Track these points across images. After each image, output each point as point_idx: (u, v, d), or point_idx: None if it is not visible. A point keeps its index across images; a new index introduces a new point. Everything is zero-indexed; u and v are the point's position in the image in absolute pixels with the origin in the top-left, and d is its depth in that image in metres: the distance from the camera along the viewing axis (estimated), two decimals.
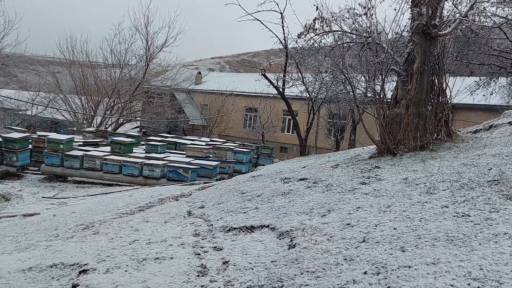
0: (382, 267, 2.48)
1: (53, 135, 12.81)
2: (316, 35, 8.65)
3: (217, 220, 4.18)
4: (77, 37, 62.73)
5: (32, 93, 22.96)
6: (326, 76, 13.82)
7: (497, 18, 10.48)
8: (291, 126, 23.59)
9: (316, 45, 9.34)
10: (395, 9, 6.24)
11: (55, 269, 3.54)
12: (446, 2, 6.09)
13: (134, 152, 12.62)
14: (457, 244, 2.55)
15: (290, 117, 19.78)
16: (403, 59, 5.89)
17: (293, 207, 4.03)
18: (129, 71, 23.96)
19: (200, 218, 4.43)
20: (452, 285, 2.15)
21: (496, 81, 13.73)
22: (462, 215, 2.94)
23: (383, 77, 6.08)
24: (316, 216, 3.63)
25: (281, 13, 14.14)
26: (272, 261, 2.95)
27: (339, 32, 8.38)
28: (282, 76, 15.81)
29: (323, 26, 8.40)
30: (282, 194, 4.63)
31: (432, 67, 5.73)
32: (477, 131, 6.63)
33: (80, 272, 3.34)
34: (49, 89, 23.95)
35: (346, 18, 8.86)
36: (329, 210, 3.71)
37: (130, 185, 10.68)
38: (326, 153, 10.80)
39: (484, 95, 14.11)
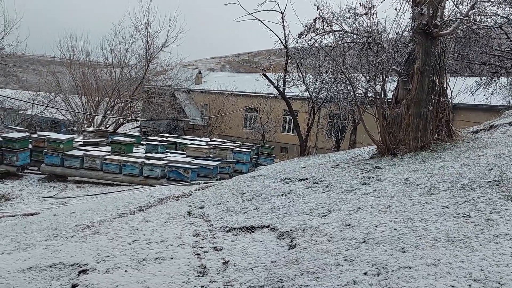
0: (383, 267, 2.47)
1: (53, 135, 12.83)
2: (316, 35, 8.62)
3: (217, 220, 4.18)
4: (77, 37, 63.43)
5: (33, 93, 22.99)
6: (326, 76, 13.79)
7: (498, 18, 10.47)
8: (292, 126, 23.56)
9: (316, 45, 9.31)
10: (395, 9, 6.22)
11: (54, 269, 3.53)
12: (447, 1, 6.08)
13: (134, 152, 12.61)
14: (457, 245, 2.54)
15: (290, 117, 19.77)
16: (404, 59, 5.88)
17: (294, 208, 4.02)
18: (130, 70, 23.99)
19: (200, 218, 4.43)
20: (452, 286, 2.14)
21: (496, 81, 13.71)
22: (463, 216, 2.94)
23: (384, 77, 6.07)
24: (317, 217, 3.62)
25: (281, 12, 14.13)
26: (272, 262, 2.94)
27: (340, 32, 8.35)
28: (283, 76, 15.79)
29: (323, 26, 8.37)
30: (282, 194, 4.62)
31: (433, 67, 5.72)
32: (477, 131, 6.62)
33: (80, 272, 3.33)
34: (50, 88, 23.99)
35: (346, 18, 8.82)
36: (330, 211, 3.70)
37: (130, 185, 10.68)
38: (327, 153, 10.80)
39: (484, 95, 14.08)
